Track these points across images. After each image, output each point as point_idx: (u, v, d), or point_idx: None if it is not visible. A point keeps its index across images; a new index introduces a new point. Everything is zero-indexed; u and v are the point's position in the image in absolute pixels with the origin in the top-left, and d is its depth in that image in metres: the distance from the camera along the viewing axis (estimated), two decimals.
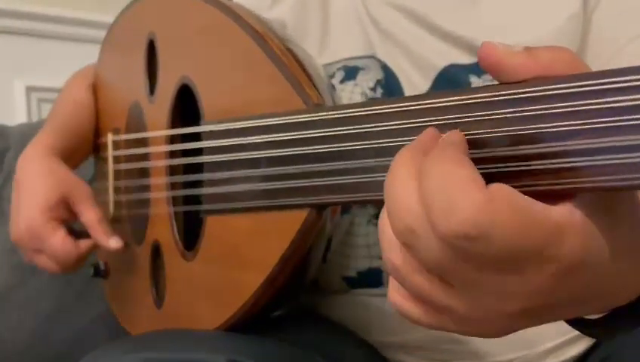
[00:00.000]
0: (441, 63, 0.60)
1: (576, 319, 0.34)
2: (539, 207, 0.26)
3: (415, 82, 0.61)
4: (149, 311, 0.62)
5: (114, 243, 0.62)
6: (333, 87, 0.62)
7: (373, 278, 0.61)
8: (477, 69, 0.59)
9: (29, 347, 0.84)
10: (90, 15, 1.34)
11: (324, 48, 0.65)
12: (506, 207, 0.25)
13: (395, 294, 0.31)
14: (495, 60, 0.29)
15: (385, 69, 0.62)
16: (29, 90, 1.31)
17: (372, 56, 0.63)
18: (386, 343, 0.62)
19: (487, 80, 0.58)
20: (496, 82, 0.30)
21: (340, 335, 0.63)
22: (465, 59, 0.59)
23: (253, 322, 0.51)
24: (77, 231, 0.62)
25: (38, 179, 0.62)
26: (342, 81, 0.62)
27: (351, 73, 0.62)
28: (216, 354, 0.46)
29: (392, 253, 0.29)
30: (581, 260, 0.27)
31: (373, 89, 0.61)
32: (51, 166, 0.63)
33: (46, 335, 0.85)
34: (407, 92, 0.61)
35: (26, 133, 0.93)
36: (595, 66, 0.29)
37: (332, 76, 0.63)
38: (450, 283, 0.28)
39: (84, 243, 0.61)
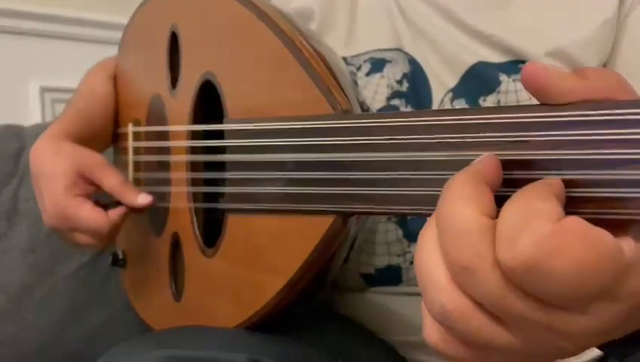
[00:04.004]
0: (470, 60, 0.59)
1: None
2: (610, 240, 0.24)
3: (442, 77, 0.60)
4: (168, 303, 0.62)
5: (142, 199, 0.60)
6: (355, 83, 0.61)
7: (392, 276, 0.61)
8: (507, 68, 0.58)
9: (45, 346, 0.84)
10: (104, 16, 1.34)
11: (351, 39, 0.64)
12: (574, 236, 0.23)
13: (435, 334, 0.28)
14: (544, 83, 0.28)
15: (412, 62, 0.61)
16: (43, 90, 1.32)
17: (399, 49, 0.62)
18: (404, 342, 0.62)
19: (517, 80, 0.58)
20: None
21: (358, 335, 0.62)
22: (495, 57, 0.59)
23: (271, 323, 0.51)
24: (105, 204, 0.61)
25: (52, 162, 0.62)
26: (368, 74, 0.62)
27: (378, 65, 0.62)
28: (238, 353, 0.46)
29: (442, 296, 0.26)
30: None
31: (400, 82, 0.61)
32: (61, 146, 0.63)
33: (61, 334, 0.85)
34: (434, 86, 0.60)
35: (41, 133, 0.93)
36: (624, 72, 0.29)
37: (359, 68, 0.62)
38: (506, 323, 0.26)
39: (113, 211, 0.60)
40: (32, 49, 1.30)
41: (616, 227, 0.26)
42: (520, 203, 0.25)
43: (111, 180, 0.61)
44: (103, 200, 0.62)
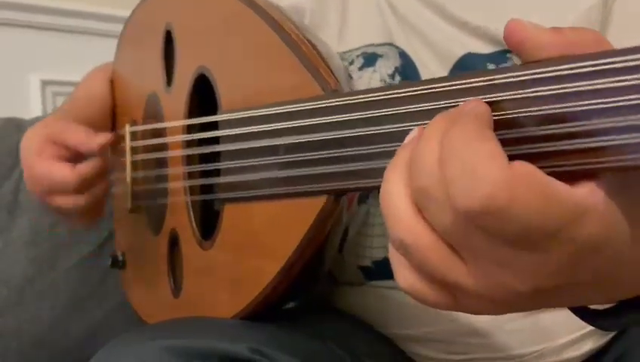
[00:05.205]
0: (459, 52, 0.59)
1: (582, 309, 0.33)
2: (560, 186, 0.25)
3: (433, 70, 0.60)
4: (167, 300, 0.62)
5: (101, 138, 0.61)
6: (350, 76, 0.62)
7: (390, 268, 0.61)
8: (496, 58, 0.58)
9: (46, 338, 0.85)
10: (105, 9, 1.34)
11: (343, 35, 0.65)
12: (526, 185, 0.24)
13: (401, 271, 0.29)
14: (522, 37, 0.29)
15: (403, 56, 0.62)
16: (44, 83, 1.32)
17: (390, 44, 0.62)
18: (403, 336, 0.62)
19: None
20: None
21: (356, 327, 0.62)
22: (483, 48, 0.59)
23: (269, 311, 0.51)
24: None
25: (29, 141, 0.63)
26: (361, 68, 0.62)
27: (370, 60, 0.62)
28: (239, 342, 0.46)
29: (401, 226, 0.28)
30: (601, 242, 0.26)
31: (392, 76, 0.61)
32: (39, 127, 0.64)
33: (63, 327, 0.85)
34: (424, 78, 0.61)
35: None
36: None
37: (351, 63, 0.63)
38: (462, 257, 0.27)
39: (81, 164, 0.60)
40: (33, 42, 1.30)
41: (581, 175, 0.26)
42: (463, 146, 0.25)
43: (74, 136, 0.62)
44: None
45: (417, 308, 0.60)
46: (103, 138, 0.61)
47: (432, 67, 0.61)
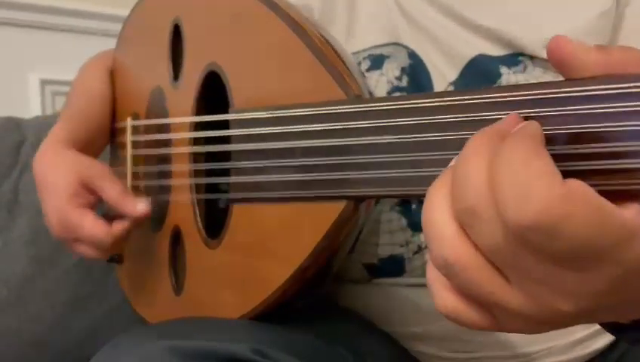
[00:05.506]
0: (470, 53, 0.59)
1: (612, 323, 0.33)
2: (613, 208, 0.25)
3: (442, 70, 0.60)
4: (167, 297, 0.62)
5: (141, 207, 0.60)
6: (363, 74, 0.61)
7: (395, 266, 0.61)
8: (507, 60, 0.58)
9: (47, 338, 0.84)
10: (105, 8, 1.34)
11: (351, 36, 0.64)
12: (581, 203, 0.24)
13: (442, 292, 0.29)
14: (566, 54, 0.28)
15: (412, 56, 0.61)
16: (44, 83, 1.32)
17: (397, 43, 0.62)
18: (407, 333, 0.62)
19: (517, 72, 0.57)
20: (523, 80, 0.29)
21: (359, 325, 0.62)
22: (494, 50, 0.59)
23: (275, 313, 0.50)
24: (111, 217, 0.61)
25: (54, 171, 0.61)
26: (368, 70, 0.62)
27: (377, 62, 0.62)
28: (241, 343, 0.46)
29: (444, 245, 0.27)
30: None
31: (399, 78, 0.61)
32: (64, 155, 0.63)
33: (64, 326, 0.85)
34: (435, 79, 0.60)
35: (41, 125, 0.94)
36: None
37: (358, 64, 0.62)
38: (506, 277, 0.27)
39: (117, 224, 0.60)
40: (32, 41, 1.30)
41: (625, 195, 0.26)
42: (517, 162, 0.25)
43: (110, 191, 0.61)
44: (112, 212, 0.62)
45: (421, 305, 0.60)
46: (144, 207, 0.60)
47: (442, 68, 0.60)
